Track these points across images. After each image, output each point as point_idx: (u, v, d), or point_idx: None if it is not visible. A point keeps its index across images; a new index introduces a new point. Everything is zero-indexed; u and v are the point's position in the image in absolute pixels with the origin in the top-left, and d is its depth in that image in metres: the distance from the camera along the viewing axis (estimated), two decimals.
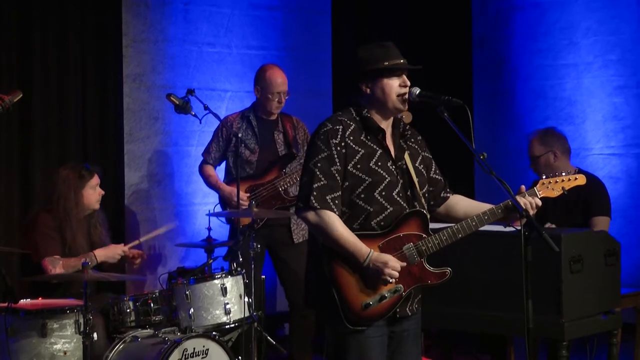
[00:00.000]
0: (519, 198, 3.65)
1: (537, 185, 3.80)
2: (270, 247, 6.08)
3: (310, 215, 3.59)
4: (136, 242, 5.75)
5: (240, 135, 5.88)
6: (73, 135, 6.33)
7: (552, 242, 3.46)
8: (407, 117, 5.42)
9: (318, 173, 3.59)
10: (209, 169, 6.11)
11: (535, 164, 5.71)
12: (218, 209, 6.07)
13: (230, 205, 5.95)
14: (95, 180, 5.45)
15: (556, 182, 3.82)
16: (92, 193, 5.43)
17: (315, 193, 3.57)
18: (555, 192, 3.82)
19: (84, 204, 5.39)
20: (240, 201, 5.80)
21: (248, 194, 5.92)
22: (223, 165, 6.19)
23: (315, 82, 7.61)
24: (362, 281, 3.59)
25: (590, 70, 7.36)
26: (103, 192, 5.49)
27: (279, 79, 6.03)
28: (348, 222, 3.60)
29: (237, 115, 6.11)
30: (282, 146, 6.07)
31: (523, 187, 3.77)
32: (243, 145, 5.93)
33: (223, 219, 6.07)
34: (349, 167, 3.62)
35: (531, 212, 3.62)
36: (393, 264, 3.55)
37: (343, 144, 3.62)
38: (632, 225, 7.10)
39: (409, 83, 3.69)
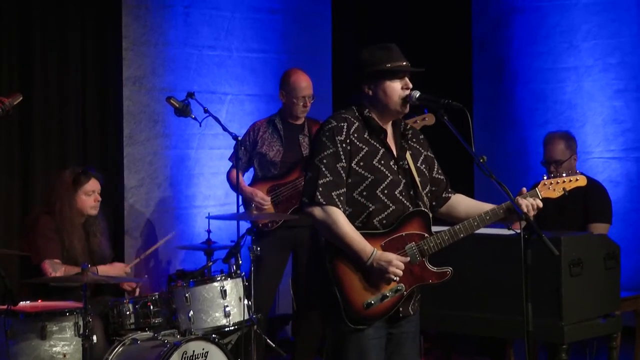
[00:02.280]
0: (520, 200, 3.66)
1: (539, 186, 3.80)
2: (294, 249, 6.09)
3: (316, 210, 3.59)
4: (137, 261, 5.76)
5: (240, 138, 5.87)
6: (73, 138, 6.33)
7: (552, 246, 3.46)
8: (429, 120, 5.43)
9: (324, 169, 3.60)
10: (234, 172, 6.11)
11: (557, 167, 5.66)
12: (241, 209, 6.09)
13: (250, 205, 5.97)
14: (91, 186, 5.39)
15: (557, 182, 3.82)
16: (86, 199, 5.37)
17: (321, 189, 3.57)
18: (556, 193, 3.82)
19: (78, 209, 5.36)
20: (262, 201, 5.87)
21: (269, 196, 5.96)
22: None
23: (315, 85, 7.57)
24: (364, 280, 3.59)
25: (591, 74, 7.36)
26: (99, 199, 5.42)
27: (303, 83, 6.04)
28: (350, 220, 3.60)
29: (264, 121, 6.13)
30: (306, 149, 6.08)
31: (524, 189, 3.77)
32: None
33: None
34: (352, 165, 3.63)
35: (532, 214, 3.63)
36: (397, 263, 3.56)
37: (348, 140, 3.63)
38: (631, 229, 7.09)
39: (410, 85, 3.70)
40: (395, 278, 3.57)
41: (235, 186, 6.12)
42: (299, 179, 5.97)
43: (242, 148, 6.04)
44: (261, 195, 5.91)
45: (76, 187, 5.35)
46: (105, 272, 5.32)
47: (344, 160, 3.62)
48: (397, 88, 3.67)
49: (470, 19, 7.96)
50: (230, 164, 6.18)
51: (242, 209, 5.88)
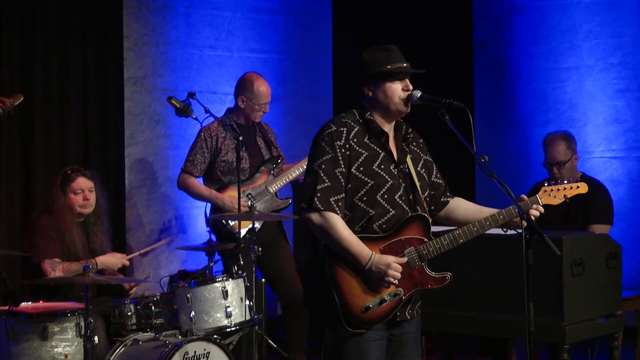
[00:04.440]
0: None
1: (540, 193, 3.79)
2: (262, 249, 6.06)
3: (314, 216, 3.59)
4: (136, 254, 5.77)
5: (241, 138, 5.85)
6: (74, 138, 6.34)
7: (554, 245, 3.46)
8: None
9: (322, 175, 3.59)
10: (194, 180, 6.01)
11: (559, 168, 5.67)
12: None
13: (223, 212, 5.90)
14: (79, 184, 5.37)
15: (558, 189, 3.81)
16: (74, 198, 5.36)
17: (319, 194, 3.57)
18: (557, 200, 3.82)
19: (68, 207, 5.37)
20: (243, 208, 5.78)
21: (244, 199, 5.90)
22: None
23: (316, 85, 7.61)
24: (363, 284, 3.59)
25: (592, 73, 7.36)
26: (89, 198, 5.40)
27: (265, 90, 6.01)
28: (350, 225, 3.60)
29: (217, 126, 5.98)
30: (264, 150, 6.08)
31: (524, 196, 3.77)
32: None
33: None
34: (352, 170, 3.62)
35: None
36: (395, 266, 3.56)
37: (347, 146, 3.63)
38: (633, 229, 7.09)
39: (411, 87, 3.69)
40: (394, 281, 3.57)
41: (199, 193, 6.03)
42: (267, 182, 5.98)
43: (199, 155, 5.96)
44: (242, 202, 5.84)
45: (64, 185, 5.36)
46: (104, 262, 5.33)
47: (342, 166, 3.61)
48: (397, 89, 3.67)
49: (471, 19, 7.95)
50: (180, 171, 6.04)
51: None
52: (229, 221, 5.89)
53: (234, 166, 5.85)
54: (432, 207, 3.86)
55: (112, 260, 5.40)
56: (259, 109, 6.01)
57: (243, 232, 5.82)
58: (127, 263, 5.52)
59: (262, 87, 6.02)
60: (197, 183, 6.02)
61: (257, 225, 5.87)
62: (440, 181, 3.89)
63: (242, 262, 5.45)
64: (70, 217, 5.36)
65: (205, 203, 6.06)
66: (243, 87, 6.04)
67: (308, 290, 3.79)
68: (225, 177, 5.95)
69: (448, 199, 3.89)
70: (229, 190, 5.91)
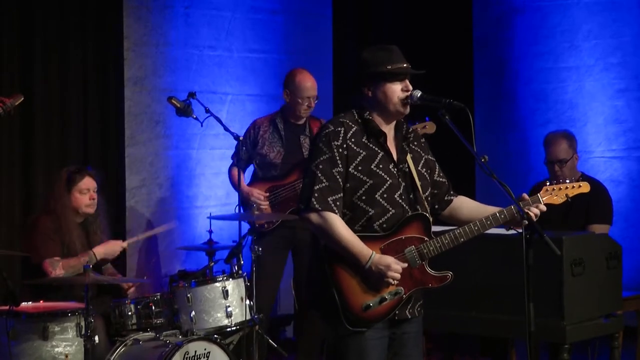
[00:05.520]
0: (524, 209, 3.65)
1: (541, 192, 3.79)
2: (293, 248, 6.10)
3: (312, 216, 3.59)
4: (135, 239, 5.77)
5: (241, 138, 5.88)
6: (74, 139, 6.34)
7: (554, 245, 3.46)
8: (430, 128, 5.41)
9: (319, 175, 3.60)
10: (235, 170, 6.13)
11: (561, 166, 5.68)
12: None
13: (248, 204, 5.98)
14: (85, 184, 5.39)
15: (560, 189, 3.81)
16: (80, 197, 5.38)
17: (316, 195, 3.58)
18: (559, 200, 3.82)
19: (73, 207, 5.37)
20: (258, 200, 5.88)
21: (267, 194, 5.96)
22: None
23: None
24: (363, 283, 3.59)
25: (592, 73, 7.36)
26: (95, 197, 5.43)
27: (308, 83, 6.04)
28: (350, 224, 3.60)
29: (266, 119, 6.14)
30: (306, 150, 6.09)
31: (525, 195, 3.77)
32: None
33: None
34: (350, 169, 3.63)
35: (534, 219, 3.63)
36: (395, 267, 3.56)
37: (345, 145, 3.63)
38: (633, 229, 7.09)
39: (410, 87, 3.69)
40: (393, 282, 3.58)
41: (233, 183, 6.16)
42: (297, 181, 5.98)
43: (243, 145, 6.05)
44: (256, 194, 5.91)
45: (70, 185, 5.37)
46: (101, 252, 5.33)
47: (340, 165, 3.62)
48: (396, 90, 3.66)
49: (471, 19, 7.95)
50: (231, 161, 6.20)
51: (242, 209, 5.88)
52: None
53: (267, 160, 6.00)
54: (436, 206, 3.86)
55: (109, 248, 5.40)
56: (302, 103, 6.02)
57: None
58: (126, 245, 5.53)
59: (306, 81, 6.04)
60: (234, 173, 6.11)
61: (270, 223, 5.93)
62: (443, 180, 3.89)
63: (242, 262, 5.45)
64: (72, 218, 5.37)
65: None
66: (287, 80, 6.11)
67: (311, 290, 3.78)
68: (261, 171, 6.04)
69: (452, 198, 3.89)
70: (257, 184, 5.97)
